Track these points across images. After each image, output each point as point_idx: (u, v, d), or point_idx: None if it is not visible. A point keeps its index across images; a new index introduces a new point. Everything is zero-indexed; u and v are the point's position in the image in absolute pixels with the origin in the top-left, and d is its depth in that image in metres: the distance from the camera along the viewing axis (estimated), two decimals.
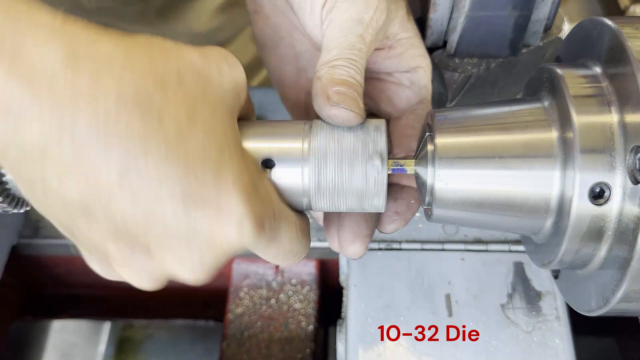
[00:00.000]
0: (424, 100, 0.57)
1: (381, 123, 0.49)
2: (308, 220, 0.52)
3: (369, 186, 0.48)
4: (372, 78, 0.57)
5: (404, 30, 0.55)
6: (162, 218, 0.39)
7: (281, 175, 0.48)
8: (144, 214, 0.39)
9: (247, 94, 0.47)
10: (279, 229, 0.45)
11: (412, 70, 0.56)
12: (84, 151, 0.37)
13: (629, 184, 0.41)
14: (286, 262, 0.50)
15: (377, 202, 0.49)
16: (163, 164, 0.38)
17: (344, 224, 0.54)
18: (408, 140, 0.55)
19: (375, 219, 0.55)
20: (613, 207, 0.42)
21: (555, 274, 0.54)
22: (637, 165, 0.40)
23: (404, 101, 0.56)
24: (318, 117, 0.51)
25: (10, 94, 0.35)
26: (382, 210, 0.50)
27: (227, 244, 0.41)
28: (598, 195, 0.42)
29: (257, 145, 0.48)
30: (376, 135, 0.48)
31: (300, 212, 0.51)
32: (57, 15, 0.37)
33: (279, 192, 0.48)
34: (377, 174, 0.47)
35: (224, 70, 0.43)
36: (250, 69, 1.13)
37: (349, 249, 0.54)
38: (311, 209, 0.50)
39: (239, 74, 0.44)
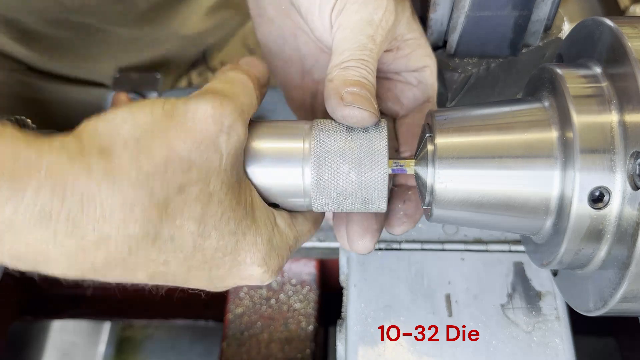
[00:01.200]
0: (431, 98, 0.57)
1: (382, 122, 0.49)
2: (321, 217, 0.55)
3: (369, 186, 0.48)
4: (380, 77, 0.57)
5: (411, 30, 0.56)
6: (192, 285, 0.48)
7: (281, 175, 0.48)
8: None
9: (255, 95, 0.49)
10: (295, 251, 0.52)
11: (419, 70, 0.56)
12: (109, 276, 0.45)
13: (629, 189, 0.41)
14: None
15: (378, 202, 0.49)
16: (188, 277, 0.46)
17: (353, 219, 0.54)
18: (414, 139, 0.55)
19: (383, 214, 0.55)
20: (612, 211, 0.42)
21: (555, 272, 0.54)
22: (637, 171, 0.40)
23: (411, 100, 0.57)
24: (322, 118, 0.51)
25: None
26: (383, 210, 0.50)
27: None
28: (597, 199, 0.42)
29: (258, 145, 0.48)
30: (376, 134, 0.48)
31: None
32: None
33: (281, 192, 0.48)
34: (377, 173, 0.47)
35: (222, 142, 0.44)
36: None
37: (358, 243, 0.54)
38: (312, 209, 0.50)
39: (239, 131, 0.45)
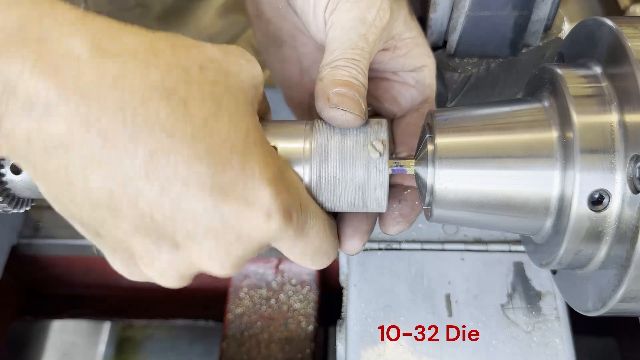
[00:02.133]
0: (428, 99, 0.57)
1: (382, 122, 0.49)
2: (334, 220, 0.52)
3: (370, 184, 0.48)
4: (377, 78, 0.57)
5: (408, 29, 0.55)
6: (190, 210, 0.39)
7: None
8: (172, 207, 0.39)
9: (263, 93, 0.48)
10: (306, 223, 0.45)
11: (417, 70, 0.56)
12: (110, 142, 0.36)
13: (628, 192, 0.41)
14: (315, 261, 0.49)
15: (378, 202, 0.49)
16: (190, 155, 0.38)
17: (343, 219, 0.54)
18: (412, 139, 0.55)
19: (374, 215, 0.55)
20: (612, 213, 0.42)
21: (554, 270, 0.54)
22: (637, 174, 0.40)
23: (409, 100, 0.57)
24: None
25: (35, 86, 0.35)
26: (384, 211, 0.50)
27: (255, 236, 0.41)
28: (597, 201, 0.42)
29: None
30: (377, 134, 0.48)
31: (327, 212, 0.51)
32: (79, 10, 0.38)
33: None
34: (378, 173, 0.47)
35: (243, 65, 0.43)
36: None
37: (347, 243, 0.54)
38: None
39: (257, 69, 0.45)
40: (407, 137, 0.56)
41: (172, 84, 0.38)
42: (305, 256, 0.47)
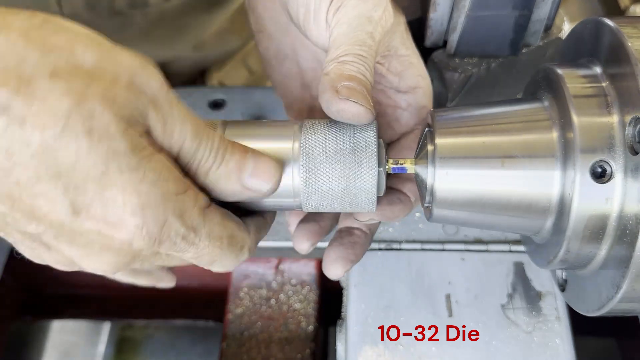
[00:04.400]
0: (423, 121, 0.56)
1: (373, 123, 0.49)
2: (262, 222, 0.51)
3: (359, 187, 0.48)
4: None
5: (404, 46, 0.54)
6: (50, 221, 0.38)
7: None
8: (37, 213, 0.38)
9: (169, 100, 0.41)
10: (191, 243, 0.43)
11: (410, 91, 0.55)
12: None
13: (630, 185, 0.41)
14: (210, 267, 0.47)
15: (367, 203, 0.49)
16: (41, 170, 0.36)
17: (332, 245, 0.55)
18: (403, 114, 0.55)
19: (363, 248, 0.56)
20: (613, 210, 0.42)
21: (562, 288, 0.53)
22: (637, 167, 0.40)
23: (403, 124, 0.56)
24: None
25: None
26: (373, 211, 0.50)
27: (122, 251, 0.40)
28: (600, 175, 0.42)
29: (248, 145, 0.48)
30: (367, 134, 0.48)
31: (259, 214, 0.51)
32: None
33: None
34: (367, 175, 0.47)
35: (121, 68, 0.39)
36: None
37: (329, 269, 0.54)
38: (301, 209, 0.50)
39: (143, 71, 0.40)
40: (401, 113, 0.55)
41: (6, 95, 0.35)
42: (197, 261, 0.46)
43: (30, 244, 0.42)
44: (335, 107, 0.46)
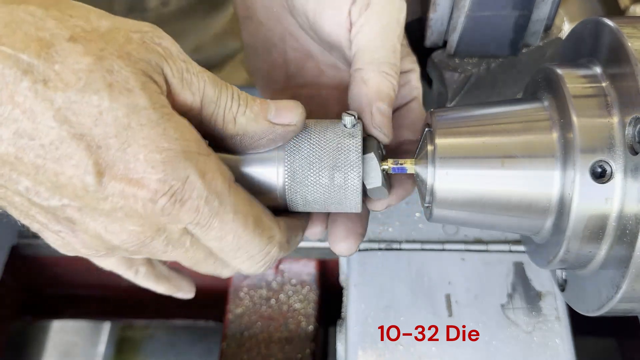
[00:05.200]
0: (416, 98, 0.58)
1: (357, 125, 0.49)
2: (295, 223, 0.51)
3: (343, 187, 0.48)
4: None
5: (409, 59, 0.57)
6: (77, 182, 0.38)
7: (257, 175, 0.48)
8: (61, 180, 0.38)
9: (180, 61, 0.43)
10: (215, 214, 0.42)
11: (406, 72, 0.57)
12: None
13: (629, 185, 0.41)
14: (230, 262, 0.46)
15: (353, 203, 0.49)
16: (64, 130, 0.37)
17: (337, 220, 0.54)
18: (401, 130, 0.55)
19: (367, 217, 0.55)
20: (612, 210, 0.42)
21: (562, 288, 0.53)
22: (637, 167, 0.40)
23: (399, 98, 0.57)
24: None
25: None
26: (358, 211, 0.50)
27: (145, 214, 0.40)
28: (600, 175, 0.42)
29: None
30: (351, 137, 0.48)
31: (289, 212, 0.51)
32: None
33: (257, 194, 0.47)
34: (351, 176, 0.48)
35: (132, 32, 0.41)
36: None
37: (340, 244, 0.54)
38: (287, 209, 0.50)
39: (156, 35, 0.42)
40: (398, 128, 0.56)
41: (30, 60, 0.36)
42: (213, 256, 0.45)
43: (55, 226, 0.42)
44: (366, 130, 0.50)
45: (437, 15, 0.65)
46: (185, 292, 0.67)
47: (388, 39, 0.51)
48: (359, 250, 0.73)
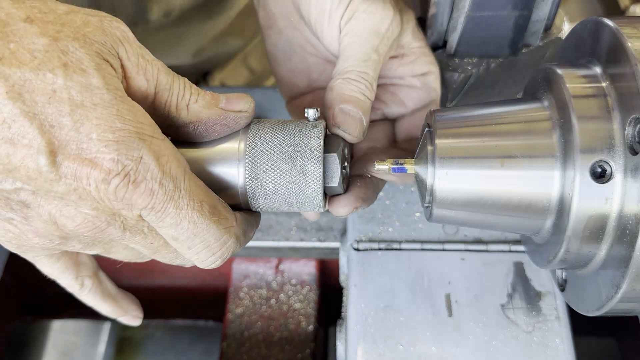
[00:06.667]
0: (434, 101, 0.59)
1: (319, 122, 0.50)
2: (250, 218, 0.50)
3: (305, 186, 0.48)
4: (385, 84, 0.60)
5: (416, 39, 0.59)
6: (29, 163, 0.38)
7: (218, 175, 0.48)
8: (13, 161, 0.38)
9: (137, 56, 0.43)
10: (170, 197, 0.41)
11: (423, 75, 0.59)
12: None
13: (629, 185, 0.41)
14: (186, 251, 0.45)
15: (314, 202, 0.49)
16: (17, 108, 0.37)
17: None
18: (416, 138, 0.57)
19: (375, 185, 0.55)
20: (612, 210, 0.42)
21: (562, 287, 0.53)
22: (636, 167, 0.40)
23: (416, 101, 0.59)
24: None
25: None
26: (321, 210, 0.51)
27: (101, 200, 0.40)
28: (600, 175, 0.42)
29: (195, 146, 0.48)
30: (313, 134, 0.48)
31: (248, 211, 0.50)
32: None
33: (218, 191, 0.47)
34: (312, 173, 0.47)
35: (90, 18, 0.41)
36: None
37: (338, 204, 0.52)
38: (250, 209, 0.50)
39: (112, 23, 0.42)
40: (414, 139, 0.58)
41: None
42: (174, 243, 0.44)
43: (8, 214, 0.41)
44: (329, 129, 0.51)
45: (437, 15, 0.65)
46: (131, 316, 0.63)
47: (360, 49, 0.53)
48: (359, 250, 0.73)
